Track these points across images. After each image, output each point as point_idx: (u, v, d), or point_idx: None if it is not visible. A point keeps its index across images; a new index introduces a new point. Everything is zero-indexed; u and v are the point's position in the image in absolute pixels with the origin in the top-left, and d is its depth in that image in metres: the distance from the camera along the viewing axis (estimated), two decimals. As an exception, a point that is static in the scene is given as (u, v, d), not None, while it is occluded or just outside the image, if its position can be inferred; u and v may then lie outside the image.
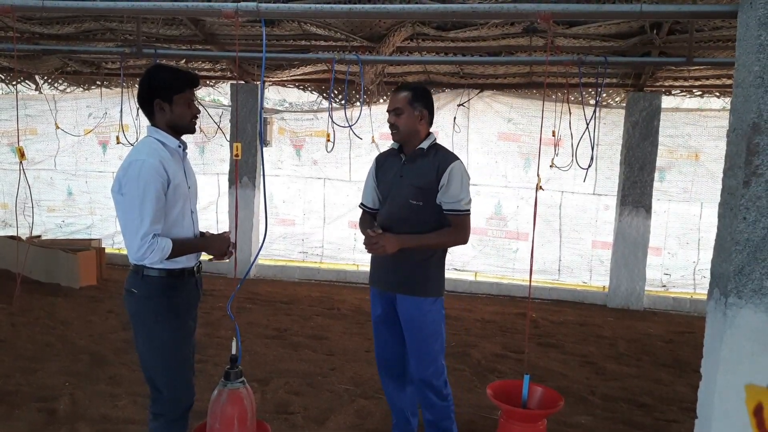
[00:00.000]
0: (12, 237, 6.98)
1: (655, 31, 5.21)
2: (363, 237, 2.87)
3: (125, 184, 2.32)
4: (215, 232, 2.63)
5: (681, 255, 6.90)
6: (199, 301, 2.63)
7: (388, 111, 2.90)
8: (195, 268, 2.54)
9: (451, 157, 2.86)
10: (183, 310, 2.49)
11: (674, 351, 5.22)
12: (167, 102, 2.41)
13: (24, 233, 6.88)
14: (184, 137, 2.54)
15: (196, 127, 2.53)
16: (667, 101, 6.63)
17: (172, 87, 2.40)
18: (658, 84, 6.55)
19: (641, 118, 6.42)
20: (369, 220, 3.04)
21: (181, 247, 2.40)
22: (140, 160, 2.32)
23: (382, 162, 3.06)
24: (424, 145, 2.88)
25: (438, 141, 2.98)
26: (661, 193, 6.74)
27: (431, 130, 2.97)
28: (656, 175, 6.52)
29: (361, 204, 3.12)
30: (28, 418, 3.43)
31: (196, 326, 2.66)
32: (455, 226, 2.81)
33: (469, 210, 2.83)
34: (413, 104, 2.85)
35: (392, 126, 2.88)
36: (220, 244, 2.56)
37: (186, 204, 2.47)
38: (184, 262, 2.46)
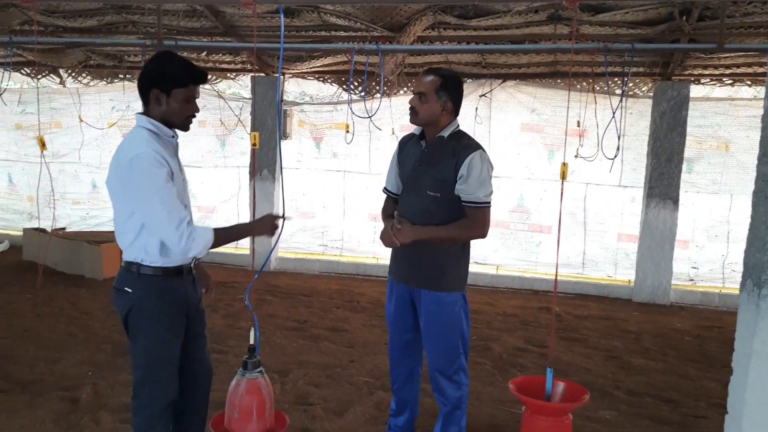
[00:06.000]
0: (39, 229, 7.08)
1: (684, 18, 5.06)
2: (380, 229, 2.81)
3: (130, 180, 2.19)
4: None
5: (709, 248, 6.71)
6: (197, 296, 2.51)
7: (413, 92, 2.80)
8: (191, 265, 2.45)
9: (472, 147, 2.73)
10: (177, 311, 2.39)
11: (702, 346, 5.09)
12: (165, 93, 2.27)
13: (49, 225, 6.99)
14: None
15: (190, 127, 2.39)
16: (695, 90, 6.43)
17: (173, 79, 2.26)
18: (686, 72, 6.36)
19: (669, 108, 6.25)
20: (392, 205, 2.96)
21: (225, 234, 2.32)
22: (143, 152, 2.18)
23: (403, 146, 2.97)
24: (445, 133, 2.78)
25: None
26: (689, 185, 6.56)
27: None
28: (684, 166, 6.35)
29: (384, 188, 3.04)
30: (51, 406, 3.47)
31: (204, 325, 2.58)
32: (471, 219, 2.70)
33: (488, 202, 2.71)
34: (439, 92, 2.72)
35: (412, 109, 2.77)
36: (266, 223, 2.46)
37: (182, 197, 2.34)
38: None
